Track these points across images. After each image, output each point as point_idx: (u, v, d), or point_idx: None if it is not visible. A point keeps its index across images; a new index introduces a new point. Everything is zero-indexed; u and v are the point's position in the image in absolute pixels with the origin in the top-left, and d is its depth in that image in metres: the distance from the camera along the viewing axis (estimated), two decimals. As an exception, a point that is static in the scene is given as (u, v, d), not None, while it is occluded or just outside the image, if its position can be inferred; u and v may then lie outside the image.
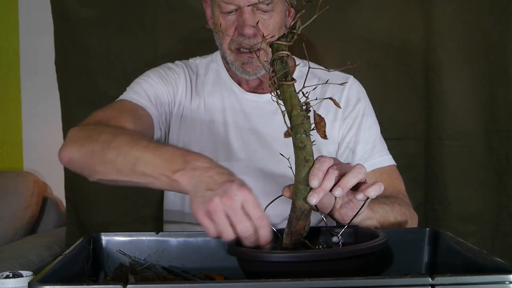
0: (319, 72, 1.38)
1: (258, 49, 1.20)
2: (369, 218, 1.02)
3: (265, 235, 0.86)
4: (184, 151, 0.95)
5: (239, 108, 1.37)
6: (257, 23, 1.22)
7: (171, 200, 1.40)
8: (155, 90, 1.33)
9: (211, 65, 1.43)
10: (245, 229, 0.85)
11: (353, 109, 1.37)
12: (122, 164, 0.98)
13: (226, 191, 0.84)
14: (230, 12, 1.25)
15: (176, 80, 1.38)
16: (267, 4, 1.04)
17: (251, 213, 0.85)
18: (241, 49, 1.28)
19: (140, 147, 0.98)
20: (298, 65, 1.41)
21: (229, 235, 0.85)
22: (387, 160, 1.36)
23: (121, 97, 1.32)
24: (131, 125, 1.17)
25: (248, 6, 1.23)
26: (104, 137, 1.04)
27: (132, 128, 1.17)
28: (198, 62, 1.44)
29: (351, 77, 1.42)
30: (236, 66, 1.30)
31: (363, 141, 1.35)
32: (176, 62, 1.45)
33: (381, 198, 1.14)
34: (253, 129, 1.35)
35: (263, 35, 1.20)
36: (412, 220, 1.21)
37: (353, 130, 1.36)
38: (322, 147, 1.32)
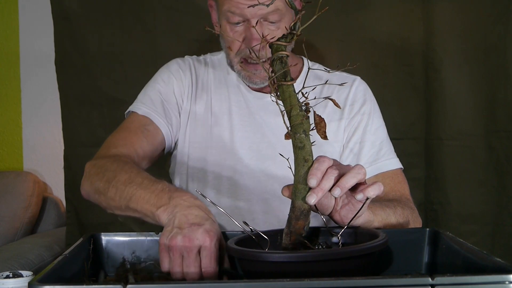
0: (326, 74, 1.38)
1: (267, 60, 1.19)
2: (370, 221, 1.01)
3: None
4: (173, 188, 1.00)
5: (245, 106, 1.37)
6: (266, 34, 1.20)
7: None
8: (162, 95, 1.36)
9: (220, 63, 1.43)
10: (190, 275, 0.88)
11: (359, 110, 1.36)
12: (119, 201, 1.06)
13: (190, 233, 0.88)
14: (237, 23, 1.24)
15: (182, 78, 1.39)
16: (267, 5, 1.03)
17: (203, 261, 0.88)
18: (248, 60, 1.28)
19: (134, 185, 1.04)
20: (310, 69, 1.41)
21: (177, 276, 0.89)
22: (393, 163, 1.33)
23: (130, 108, 1.36)
24: (140, 144, 1.27)
25: (256, 18, 1.22)
26: (108, 175, 1.11)
27: (141, 145, 1.27)
28: (209, 59, 1.45)
29: (358, 78, 1.41)
30: (243, 75, 1.31)
31: (369, 144, 1.34)
32: (186, 57, 1.45)
33: (384, 201, 1.13)
34: (258, 128, 1.35)
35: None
36: (415, 224, 1.20)
37: (359, 132, 1.35)
38: (325, 148, 1.32)
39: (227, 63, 1.37)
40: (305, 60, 1.43)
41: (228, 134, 1.35)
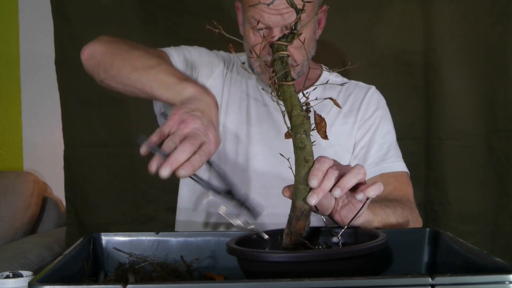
0: (340, 81, 1.41)
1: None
2: (370, 221, 1.01)
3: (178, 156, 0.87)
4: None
5: (261, 100, 1.38)
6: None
7: (185, 198, 1.40)
8: (193, 58, 1.37)
9: (242, 61, 1.44)
10: (179, 154, 0.86)
11: (372, 115, 1.39)
12: (143, 63, 1.11)
13: (208, 125, 0.93)
14: (260, 29, 1.25)
15: (214, 61, 1.41)
16: (268, 5, 1.04)
17: (201, 153, 0.88)
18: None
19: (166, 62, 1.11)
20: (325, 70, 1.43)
21: (167, 147, 0.88)
22: (399, 166, 1.35)
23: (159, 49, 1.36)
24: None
25: (278, 27, 1.22)
26: (135, 44, 1.19)
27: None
28: (233, 56, 1.46)
29: (373, 87, 1.44)
30: (261, 79, 1.33)
31: (377, 146, 1.36)
32: (221, 51, 1.46)
33: (384, 202, 1.14)
34: (274, 123, 1.36)
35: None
36: (415, 224, 1.20)
37: (369, 135, 1.37)
38: (336, 149, 1.33)
39: (247, 64, 1.38)
40: (324, 67, 1.45)
41: (245, 128, 1.36)
